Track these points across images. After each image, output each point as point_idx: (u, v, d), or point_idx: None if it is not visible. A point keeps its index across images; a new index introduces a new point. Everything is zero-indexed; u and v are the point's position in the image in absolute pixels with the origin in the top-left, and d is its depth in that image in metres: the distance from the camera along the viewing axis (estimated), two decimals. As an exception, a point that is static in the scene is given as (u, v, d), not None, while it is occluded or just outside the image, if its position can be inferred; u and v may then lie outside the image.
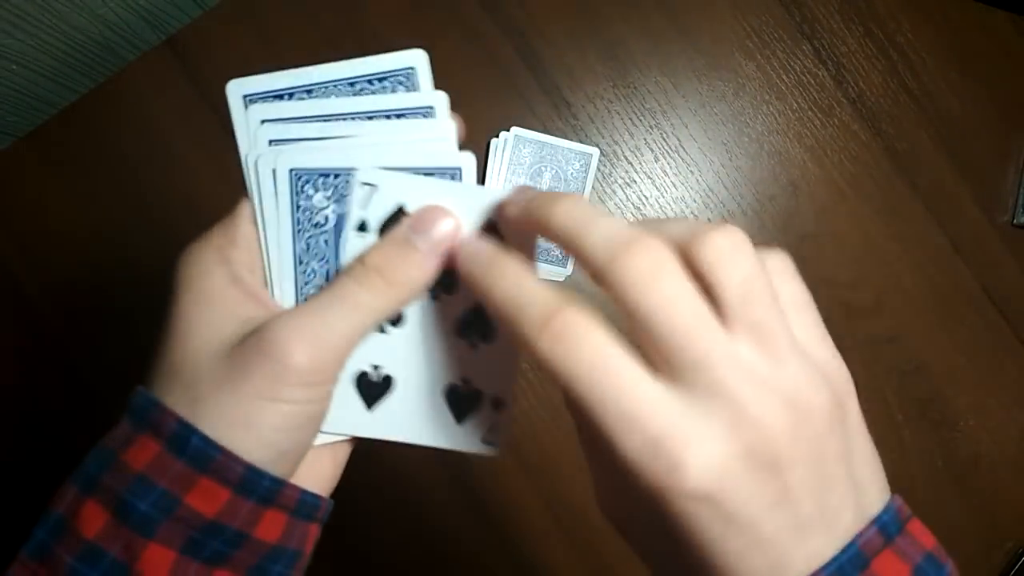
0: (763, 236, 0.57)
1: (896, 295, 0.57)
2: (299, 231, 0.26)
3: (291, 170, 0.27)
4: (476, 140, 0.55)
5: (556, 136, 0.56)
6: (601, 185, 0.56)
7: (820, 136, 0.58)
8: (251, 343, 0.23)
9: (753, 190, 0.57)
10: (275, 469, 0.23)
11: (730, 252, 0.19)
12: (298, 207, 0.26)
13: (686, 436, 0.18)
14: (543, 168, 0.55)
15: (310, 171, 0.26)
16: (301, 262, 0.26)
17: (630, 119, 0.57)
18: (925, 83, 0.58)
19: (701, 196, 0.57)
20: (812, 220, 0.57)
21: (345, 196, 0.26)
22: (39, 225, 0.54)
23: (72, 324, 0.53)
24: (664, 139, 0.57)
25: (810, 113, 0.58)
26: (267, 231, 0.26)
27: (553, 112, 0.56)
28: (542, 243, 0.55)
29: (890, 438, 0.56)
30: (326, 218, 0.26)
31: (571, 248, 0.21)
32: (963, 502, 0.56)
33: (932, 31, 0.59)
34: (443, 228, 0.24)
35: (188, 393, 0.23)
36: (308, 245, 0.26)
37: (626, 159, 0.57)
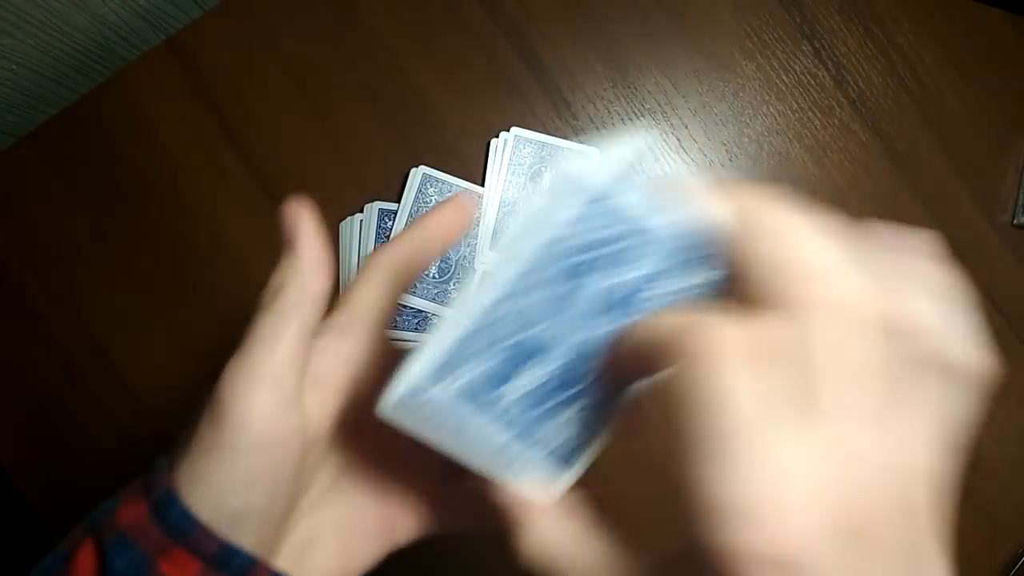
0: (763, 236, 0.57)
1: (896, 295, 0.57)
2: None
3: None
4: (476, 140, 0.55)
5: (556, 136, 0.56)
6: (601, 185, 0.56)
7: (820, 136, 0.58)
8: (208, 411, 0.23)
9: (753, 190, 0.57)
10: (236, 534, 0.23)
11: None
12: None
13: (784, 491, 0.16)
14: (543, 168, 0.55)
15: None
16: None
17: (630, 119, 0.57)
18: (925, 83, 0.58)
19: (701, 196, 0.57)
20: (812, 220, 0.57)
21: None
22: (39, 225, 0.54)
23: (72, 324, 0.53)
24: (664, 139, 0.57)
25: (810, 113, 0.58)
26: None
27: (553, 112, 0.56)
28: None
29: (890, 438, 0.56)
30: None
31: (750, 260, 0.19)
32: (963, 502, 0.56)
33: (932, 31, 0.59)
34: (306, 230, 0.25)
35: (180, 451, 0.24)
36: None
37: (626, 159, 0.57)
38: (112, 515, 0.24)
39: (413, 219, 0.54)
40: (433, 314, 0.54)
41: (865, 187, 0.58)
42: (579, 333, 0.21)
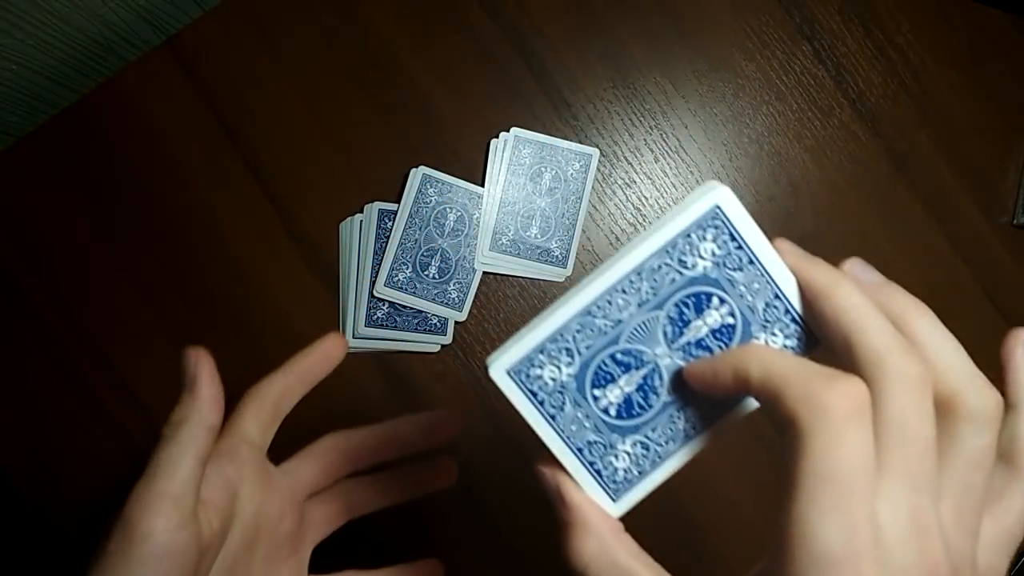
0: (763, 236, 0.57)
1: (896, 295, 0.57)
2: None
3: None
4: (476, 140, 0.55)
5: (556, 137, 0.56)
6: (601, 186, 0.56)
7: (820, 136, 0.58)
8: (117, 527, 0.27)
9: (753, 190, 0.57)
10: None
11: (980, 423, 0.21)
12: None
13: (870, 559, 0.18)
14: (543, 169, 0.55)
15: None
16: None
17: (630, 120, 0.57)
18: (925, 83, 0.58)
19: (701, 196, 0.57)
20: (812, 220, 0.57)
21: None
22: (39, 225, 0.54)
23: (71, 324, 0.53)
24: (664, 140, 0.57)
25: (810, 113, 0.58)
26: None
27: (553, 113, 0.56)
28: (539, 242, 0.55)
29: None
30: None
31: (845, 326, 0.21)
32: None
33: (932, 31, 0.59)
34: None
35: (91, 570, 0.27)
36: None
37: (626, 160, 0.57)
38: None
39: (413, 219, 0.54)
40: (433, 314, 0.54)
41: (865, 187, 0.58)
42: (679, 356, 0.24)
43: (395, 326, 0.54)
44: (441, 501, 0.54)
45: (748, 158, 0.57)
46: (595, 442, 0.24)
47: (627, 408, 0.24)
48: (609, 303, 0.23)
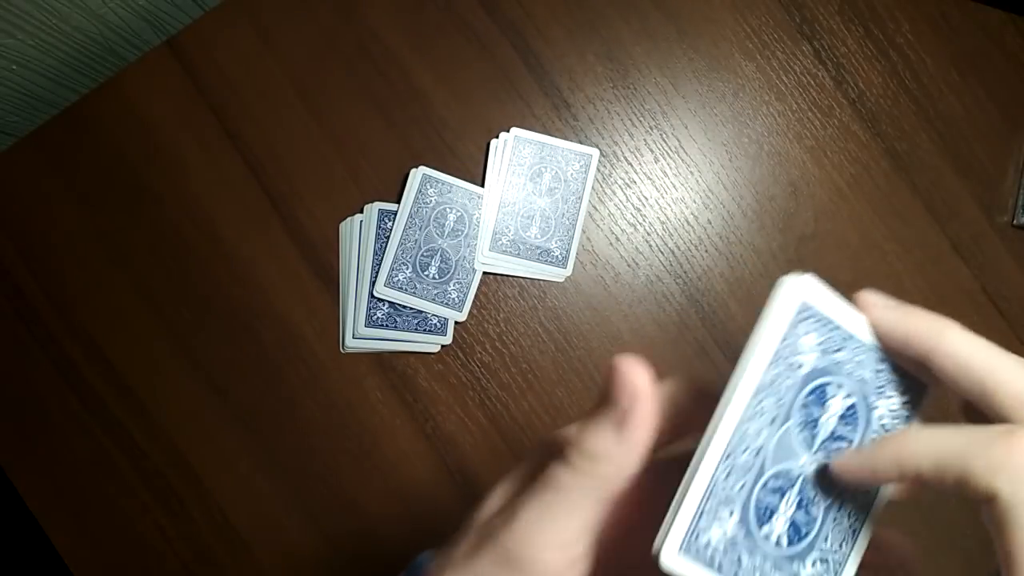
0: (763, 236, 0.57)
1: (896, 295, 0.57)
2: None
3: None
4: (476, 140, 0.55)
5: (556, 137, 0.56)
6: (601, 186, 0.56)
7: (820, 137, 0.58)
8: (491, 552, 0.23)
9: (753, 191, 0.57)
10: None
11: None
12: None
13: None
14: (543, 169, 0.55)
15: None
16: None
17: (630, 120, 0.57)
18: (925, 83, 0.58)
19: (701, 197, 0.57)
20: (812, 220, 0.57)
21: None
22: (39, 225, 0.54)
23: (71, 324, 0.53)
24: (664, 140, 0.57)
25: (810, 114, 0.58)
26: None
27: (553, 113, 0.56)
28: (539, 242, 0.55)
29: (890, 438, 0.56)
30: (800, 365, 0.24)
31: (974, 376, 0.21)
32: (963, 502, 0.56)
33: (932, 31, 0.59)
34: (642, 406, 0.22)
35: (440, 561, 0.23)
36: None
37: (626, 160, 0.57)
38: None
39: (413, 219, 0.54)
40: (433, 314, 0.54)
41: (865, 187, 0.58)
42: (822, 456, 0.24)
43: (395, 326, 0.54)
44: (441, 501, 0.54)
45: (748, 158, 0.57)
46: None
47: (795, 531, 0.24)
48: (744, 435, 0.23)
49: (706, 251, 0.57)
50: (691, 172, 0.57)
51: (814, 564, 0.24)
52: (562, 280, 0.56)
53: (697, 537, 0.22)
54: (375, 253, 0.53)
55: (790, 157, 0.58)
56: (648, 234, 0.57)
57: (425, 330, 0.54)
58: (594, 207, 0.56)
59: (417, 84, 0.55)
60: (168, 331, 0.54)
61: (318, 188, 0.55)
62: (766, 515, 0.23)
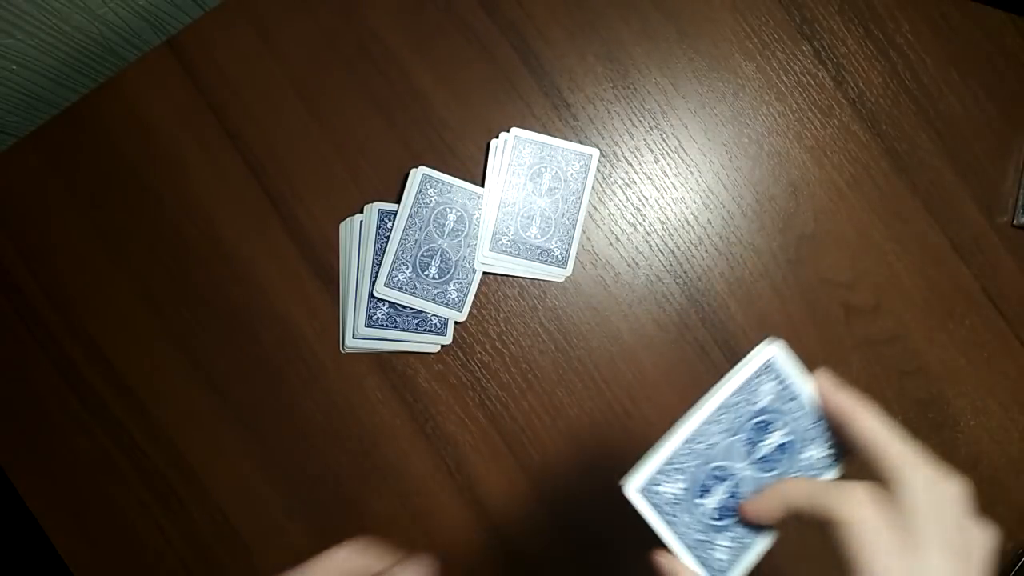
0: (763, 236, 0.57)
1: (896, 295, 0.57)
2: None
3: None
4: (476, 140, 0.55)
5: (556, 137, 0.56)
6: (601, 186, 0.56)
7: (820, 137, 0.58)
8: None
9: (753, 191, 0.57)
10: None
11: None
12: None
13: None
14: (543, 169, 0.55)
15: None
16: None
17: (630, 120, 0.57)
18: (925, 83, 0.58)
19: (701, 197, 0.57)
20: (812, 220, 0.57)
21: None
22: (39, 225, 0.54)
23: (71, 324, 0.53)
24: (664, 140, 0.57)
25: (810, 114, 0.58)
26: None
27: (553, 113, 0.56)
28: (539, 242, 0.55)
29: (890, 438, 0.56)
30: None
31: (868, 445, 0.31)
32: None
33: (932, 31, 0.59)
34: None
35: None
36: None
37: (626, 160, 0.57)
38: None
39: (413, 219, 0.54)
40: (433, 314, 0.54)
41: (865, 187, 0.58)
42: (755, 468, 0.34)
43: (395, 326, 0.54)
44: (441, 501, 0.54)
45: (748, 158, 0.57)
46: (702, 540, 0.33)
47: (723, 512, 0.33)
48: (705, 432, 0.33)
49: (706, 251, 0.57)
50: (691, 172, 0.57)
51: (729, 540, 0.33)
52: (562, 280, 0.56)
53: (654, 485, 0.32)
54: (375, 253, 0.53)
55: (790, 157, 0.58)
56: (648, 234, 0.57)
57: (425, 330, 0.54)
58: (594, 207, 0.56)
59: (417, 84, 0.55)
60: (168, 331, 0.54)
61: (318, 188, 0.55)
62: (704, 491, 0.33)
